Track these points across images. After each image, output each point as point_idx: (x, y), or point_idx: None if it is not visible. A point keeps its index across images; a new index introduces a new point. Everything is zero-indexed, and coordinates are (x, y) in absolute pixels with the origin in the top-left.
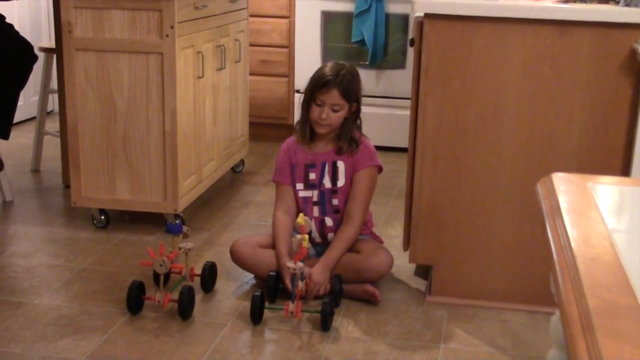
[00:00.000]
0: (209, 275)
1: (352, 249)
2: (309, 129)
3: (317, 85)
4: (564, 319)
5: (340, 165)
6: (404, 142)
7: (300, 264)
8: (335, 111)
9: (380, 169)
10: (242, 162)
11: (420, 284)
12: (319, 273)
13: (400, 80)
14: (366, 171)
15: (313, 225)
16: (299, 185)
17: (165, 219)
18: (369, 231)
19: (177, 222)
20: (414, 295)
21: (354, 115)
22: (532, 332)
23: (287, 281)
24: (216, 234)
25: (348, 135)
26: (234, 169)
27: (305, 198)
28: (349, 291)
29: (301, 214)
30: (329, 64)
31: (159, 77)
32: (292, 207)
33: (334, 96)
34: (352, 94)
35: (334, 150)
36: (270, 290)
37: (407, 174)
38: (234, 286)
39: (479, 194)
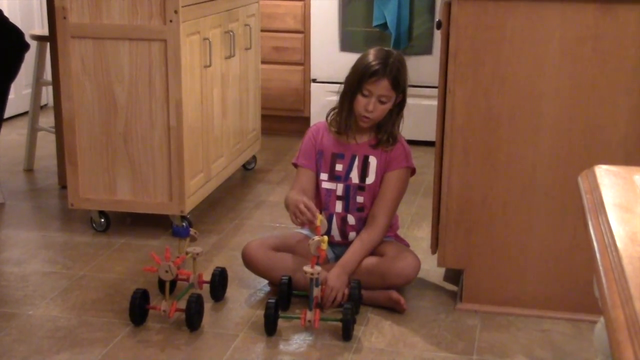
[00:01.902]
0: (219, 282)
1: (375, 252)
2: (353, 120)
3: (365, 74)
4: (609, 324)
5: (372, 160)
6: (431, 135)
7: (318, 268)
8: (382, 102)
9: (413, 172)
10: (254, 158)
11: (450, 290)
12: (335, 277)
13: (427, 67)
14: (399, 172)
15: (334, 222)
16: (323, 176)
17: (170, 221)
18: (393, 233)
19: (184, 224)
20: (443, 303)
21: (398, 107)
22: (574, 343)
23: (294, 212)
24: (226, 237)
25: (389, 129)
26: (245, 167)
27: (328, 190)
28: (371, 298)
29: (319, 214)
30: (374, 51)
31: (163, 66)
32: (309, 192)
33: (383, 87)
34: (400, 84)
35: (369, 142)
36: (283, 297)
37: (434, 170)
38: (246, 294)
39: (515, 191)
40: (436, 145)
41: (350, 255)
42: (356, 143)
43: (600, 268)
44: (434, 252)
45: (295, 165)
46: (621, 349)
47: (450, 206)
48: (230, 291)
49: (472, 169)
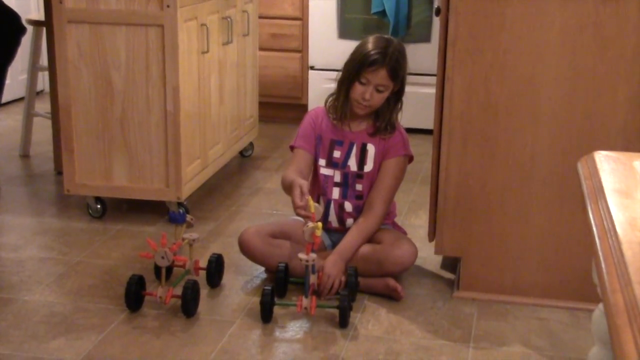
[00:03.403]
0: (216, 269)
1: (372, 239)
2: (349, 108)
3: (364, 63)
4: (608, 309)
5: (370, 148)
6: (429, 123)
7: (313, 255)
8: (379, 91)
9: (411, 159)
10: (251, 145)
11: (447, 278)
12: (332, 264)
13: (425, 54)
14: (397, 160)
15: (332, 208)
16: (322, 161)
17: (167, 207)
18: (391, 221)
19: (180, 210)
20: (440, 290)
21: (396, 96)
22: (572, 331)
23: (295, 196)
24: (223, 223)
25: (387, 116)
26: (242, 153)
27: (326, 176)
28: (368, 286)
29: (310, 200)
30: (373, 39)
31: (160, 52)
32: (305, 174)
33: (381, 76)
34: (399, 74)
35: (367, 130)
36: (279, 284)
37: (432, 157)
38: (242, 280)
39: (513, 178)
40: (434, 133)
41: (347, 242)
42: (354, 131)
43: (600, 253)
44: (431, 240)
45: (292, 148)
46: (620, 333)
47: (448, 194)
48: (227, 278)
49: (470, 157)
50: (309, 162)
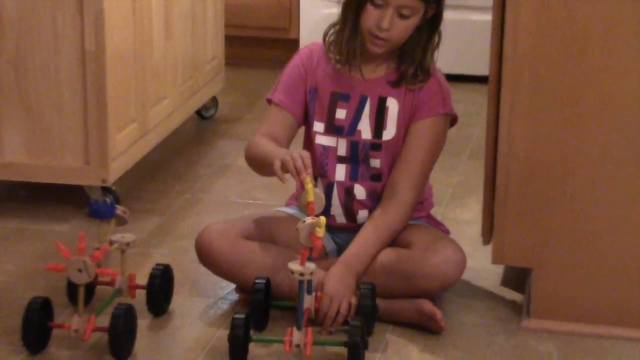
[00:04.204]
0: (161, 287)
1: (397, 241)
2: (359, 43)
3: None
4: None
5: (392, 105)
6: (481, 68)
7: (311, 266)
8: (403, 17)
9: (454, 121)
10: (214, 101)
11: (510, 299)
12: (336, 280)
13: None
14: (433, 122)
15: (335, 196)
16: (318, 126)
17: (87, 195)
18: (425, 213)
19: (106, 200)
20: (501, 319)
21: (430, 27)
22: None
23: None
24: (172, 219)
25: (418, 56)
26: (201, 113)
27: (325, 148)
28: (393, 311)
29: (309, 184)
30: None
31: None
32: (282, 143)
33: None
34: None
35: (387, 78)
36: (258, 309)
37: (487, 119)
38: (201, 304)
39: (610, 153)
40: (490, 83)
41: (359, 246)
42: (367, 78)
43: None
44: (486, 243)
45: (269, 102)
46: None
47: (512, 174)
48: (178, 301)
49: (545, 118)
50: (289, 126)
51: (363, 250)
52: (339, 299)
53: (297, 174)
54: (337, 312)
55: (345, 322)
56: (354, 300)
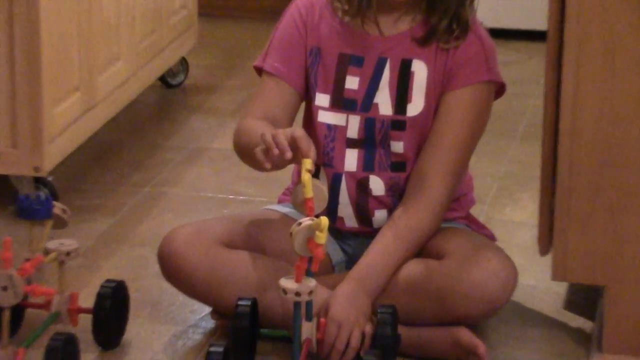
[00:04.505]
0: (112, 311)
1: (425, 250)
2: None
3: None
4: None
5: (419, 69)
6: (535, 21)
7: (309, 283)
8: None
9: (500, 90)
10: (183, 64)
11: (575, 327)
12: (346, 301)
13: None
14: (473, 91)
15: (343, 190)
16: (322, 98)
17: (14, 188)
18: (463, 213)
19: (40, 195)
20: (563, 354)
21: None
22: None
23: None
24: (128, 219)
25: (452, 4)
26: (166, 80)
27: (331, 128)
28: (420, 343)
29: (306, 173)
30: None
31: None
32: (282, 123)
33: None
34: None
35: (413, 33)
36: (241, 339)
37: (545, 89)
38: (166, 334)
39: None
40: (548, 41)
41: (376, 256)
42: (386, 35)
43: None
44: (544, 253)
45: (260, 71)
46: None
47: (579, 161)
48: (135, 329)
49: (621, 88)
50: (289, 102)
51: (381, 262)
52: (349, 326)
53: (281, 153)
54: (347, 345)
55: (358, 358)
56: (368, 329)
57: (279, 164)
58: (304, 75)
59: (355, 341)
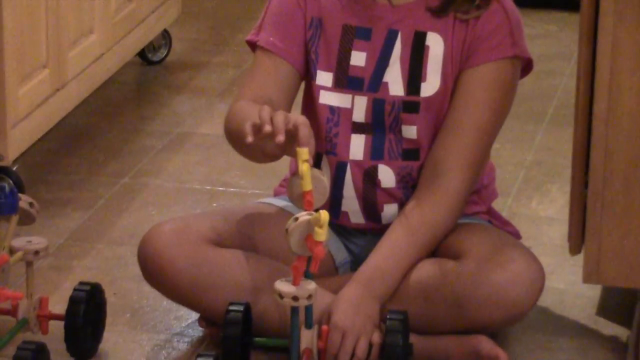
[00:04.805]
0: (87, 318)
1: (441, 249)
2: None
3: None
4: None
5: (435, 43)
6: None
7: (308, 287)
8: None
9: (527, 67)
10: (165, 38)
11: (610, 335)
12: (351, 306)
13: None
14: (497, 68)
15: (348, 181)
16: (323, 77)
17: None
18: (485, 207)
19: (4, 186)
20: None
21: None
22: None
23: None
24: (104, 214)
25: None
26: (146, 56)
27: (334, 111)
28: (435, 352)
29: (305, 162)
30: None
31: None
32: (281, 104)
33: None
34: None
35: (426, 1)
36: (231, 349)
37: (578, 65)
38: (148, 343)
39: None
40: (582, 14)
41: (386, 256)
42: (396, 4)
43: None
44: (575, 252)
45: (254, 47)
46: None
47: (615, 148)
48: (113, 338)
49: None
50: (287, 82)
51: (390, 263)
52: (355, 335)
53: (273, 133)
54: (352, 355)
55: None
56: (376, 337)
57: (268, 149)
58: (303, 51)
59: (361, 351)
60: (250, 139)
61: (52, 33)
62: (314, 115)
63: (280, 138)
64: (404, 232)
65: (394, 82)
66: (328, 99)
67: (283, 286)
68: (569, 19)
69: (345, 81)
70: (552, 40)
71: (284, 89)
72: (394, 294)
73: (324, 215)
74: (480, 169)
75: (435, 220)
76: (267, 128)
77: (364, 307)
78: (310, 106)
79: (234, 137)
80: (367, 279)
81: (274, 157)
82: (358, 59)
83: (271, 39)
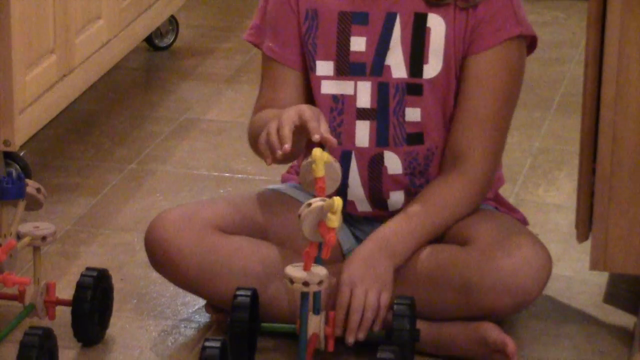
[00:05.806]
0: (94, 303)
1: (448, 234)
2: None
3: None
4: None
5: (436, 24)
6: None
7: (319, 272)
8: None
9: (531, 45)
10: (172, 24)
11: (618, 324)
12: (361, 263)
13: None
14: (504, 49)
15: (355, 174)
16: (324, 66)
17: None
18: (492, 194)
19: (11, 172)
20: (602, 352)
21: None
22: None
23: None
24: (111, 201)
25: None
26: (153, 42)
27: (338, 100)
28: (441, 339)
29: (317, 148)
30: None
31: None
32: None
33: None
34: None
35: None
36: (239, 334)
37: (586, 51)
38: (155, 329)
39: None
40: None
41: (402, 222)
42: None
43: None
44: (583, 239)
45: (256, 45)
46: None
47: (623, 135)
48: (120, 323)
49: None
50: (297, 82)
51: (406, 227)
52: (364, 287)
53: (284, 151)
54: (363, 315)
55: (373, 335)
56: (385, 298)
57: (288, 157)
58: (299, 50)
59: (371, 301)
60: (269, 162)
61: (59, 19)
62: (316, 102)
63: (287, 148)
64: (422, 205)
65: (397, 64)
66: (330, 88)
67: (294, 271)
68: (576, 6)
69: (347, 68)
70: (559, 27)
71: (295, 91)
72: (407, 261)
73: (338, 201)
74: (501, 153)
75: (454, 198)
76: (278, 154)
77: (377, 264)
78: (311, 100)
79: (256, 152)
80: (381, 239)
81: (297, 156)
82: (358, 44)
83: (270, 44)
